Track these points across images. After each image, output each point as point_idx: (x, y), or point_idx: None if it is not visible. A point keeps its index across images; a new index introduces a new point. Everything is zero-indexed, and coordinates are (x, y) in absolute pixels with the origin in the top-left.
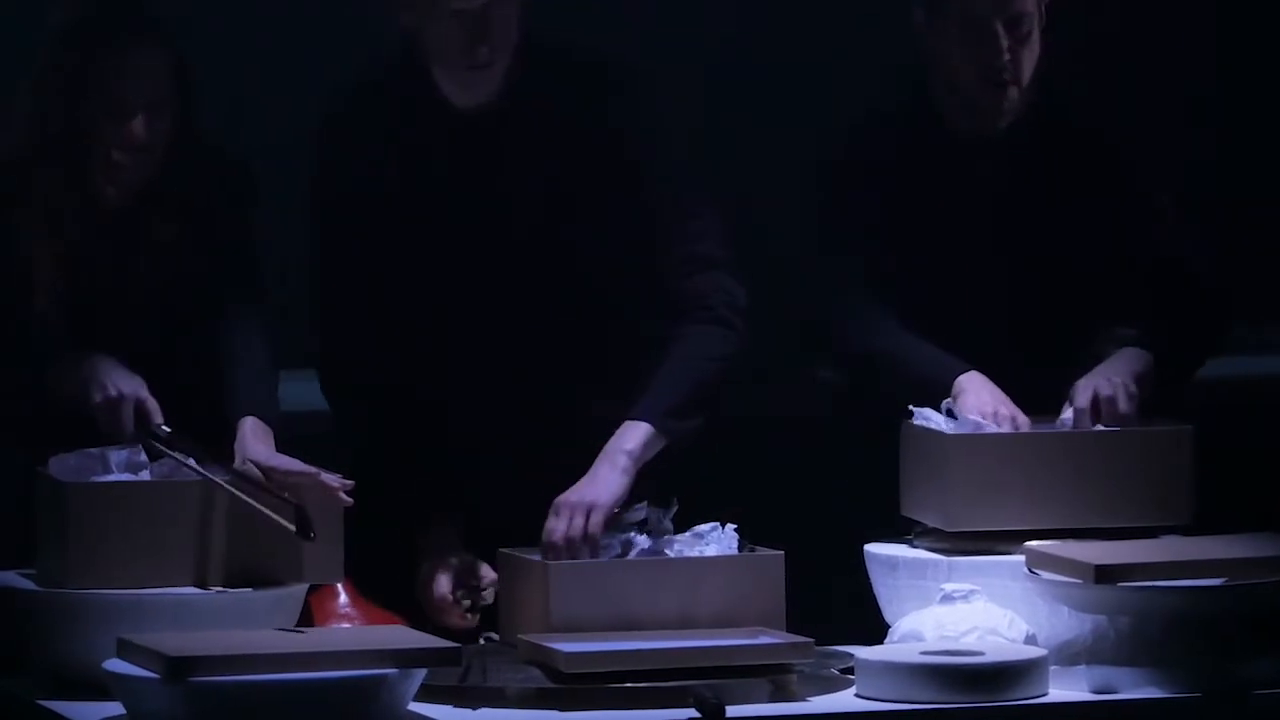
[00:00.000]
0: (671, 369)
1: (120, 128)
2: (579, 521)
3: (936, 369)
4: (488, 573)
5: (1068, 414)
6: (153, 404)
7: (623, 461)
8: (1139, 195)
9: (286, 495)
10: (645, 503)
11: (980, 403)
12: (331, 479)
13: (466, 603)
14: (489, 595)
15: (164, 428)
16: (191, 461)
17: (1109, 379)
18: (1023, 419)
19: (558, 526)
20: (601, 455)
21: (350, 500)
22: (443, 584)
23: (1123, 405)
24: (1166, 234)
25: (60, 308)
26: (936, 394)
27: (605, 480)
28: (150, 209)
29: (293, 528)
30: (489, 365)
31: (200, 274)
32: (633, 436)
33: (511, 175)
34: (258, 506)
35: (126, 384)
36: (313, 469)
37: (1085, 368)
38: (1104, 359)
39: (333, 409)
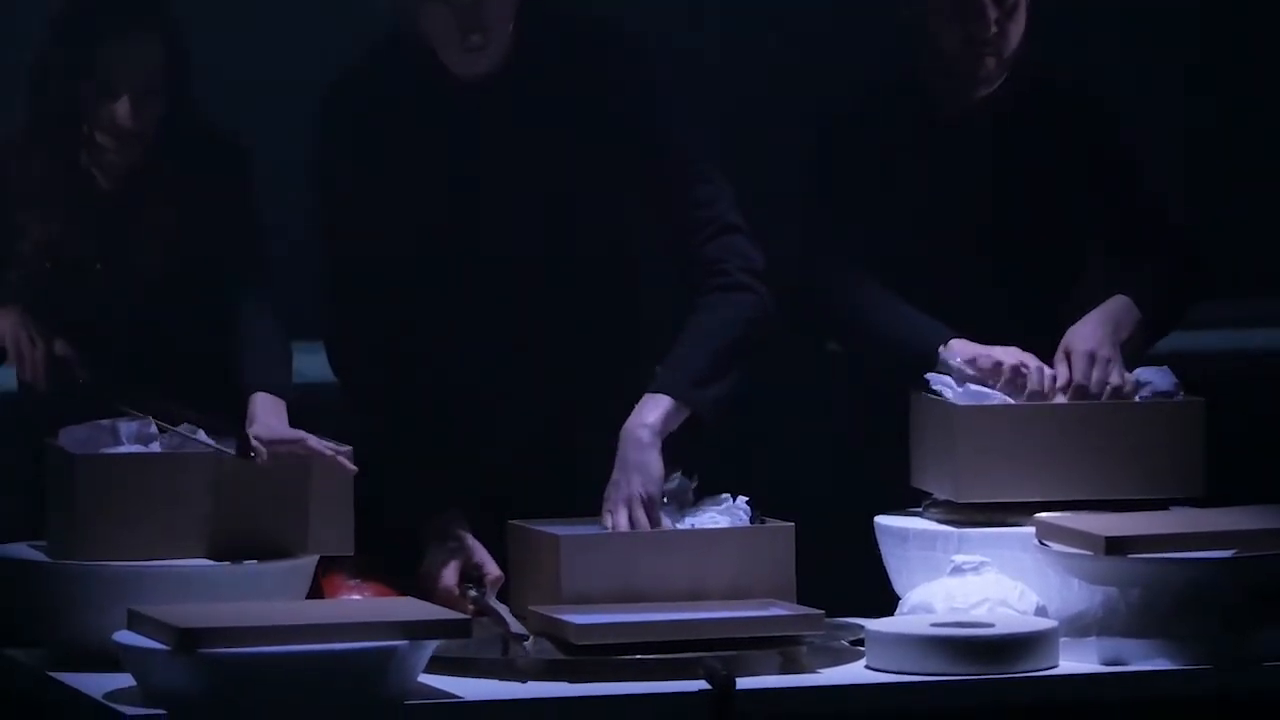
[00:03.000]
0: (690, 339)
1: (106, 111)
2: (641, 515)
3: (919, 332)
4: (491, 568)
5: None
6: (71, 353)
7: (646, 437)
8: (1125, 160)
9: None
10: (679, 474)
11: (970, 364)
12: (323, 445)
13: (473, 593)
14: (492, 593)
15: (82, 372)
16: (157, 420)
17: (1096, 354)
18: (1024, 356)
19: (619, 524)
20: (623, 436)
21: (354, 467)
22: (448, 575)
23: (1114, 379)
24: (1147, 194)
25: (46, 286)
26: (918, 357)
27: (640, 465)
28: (143, 193)
29: (231, 452)
30: (493, 339)
31: (201, 255)
32: (652, 409)
33: (515, 142)
34: (195, 442)
35: (38, 333)
36: (300, 434)
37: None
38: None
39: (342, 387)
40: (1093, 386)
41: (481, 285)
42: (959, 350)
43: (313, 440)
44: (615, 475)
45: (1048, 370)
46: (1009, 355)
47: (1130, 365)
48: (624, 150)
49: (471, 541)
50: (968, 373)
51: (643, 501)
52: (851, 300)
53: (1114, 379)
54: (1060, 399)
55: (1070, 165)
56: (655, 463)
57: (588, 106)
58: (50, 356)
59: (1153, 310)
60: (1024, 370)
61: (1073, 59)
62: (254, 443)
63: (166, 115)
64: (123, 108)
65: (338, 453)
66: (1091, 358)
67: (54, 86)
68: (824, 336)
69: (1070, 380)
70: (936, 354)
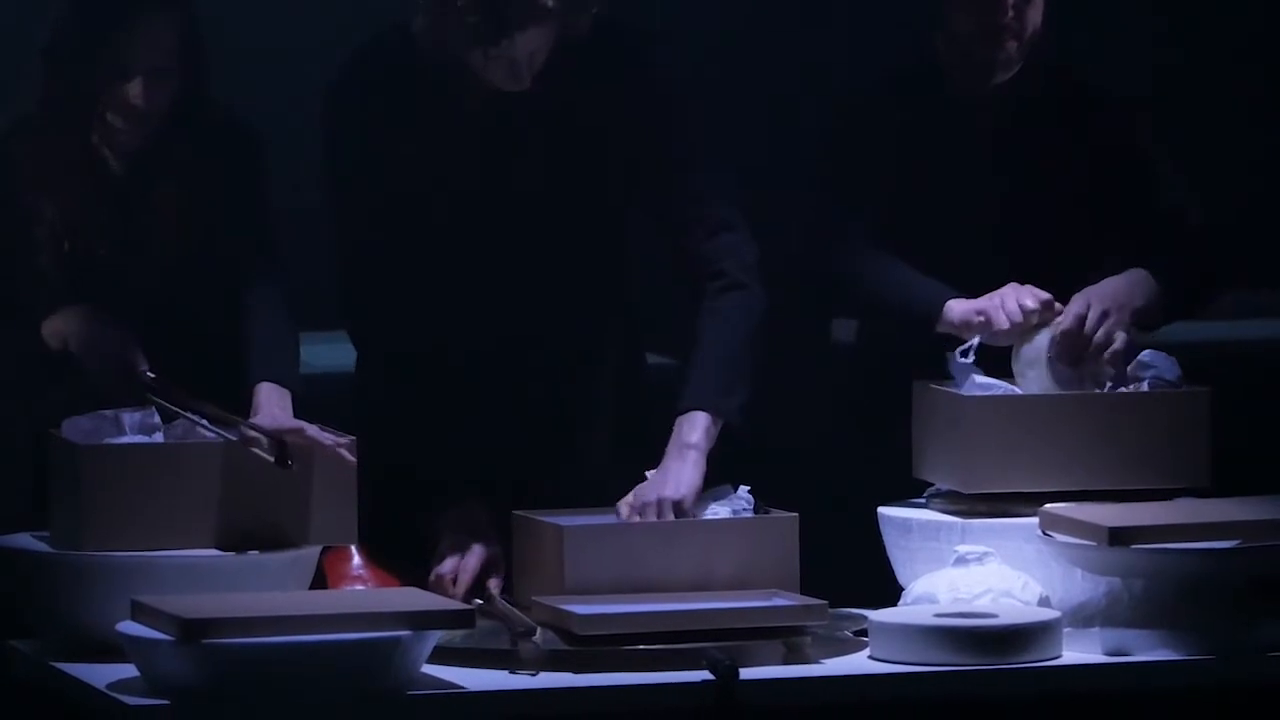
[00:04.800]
0: (707, 349)
1: (118, 91)
2: (669, 518)
3: (920, 295)
4: (496, 572)
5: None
6: (137, 352)
7: (692, 456)
8: (1139, 151)
9: (268, 431)
10: (729, 485)
11: (971, 306)
12: (323, 435)
13: (478, 602)
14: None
15: (149, 374)
16: (209, 424)
17: (1107, 311)
18: (1020, 292)
19: (647, 517)
20: (668, 452)
21: (353, 458)
22: (470, 564)
23: (1099, 337)
24: (1164, 187)
25: (63, 268)
26: (919, 317)
27: (678, 474)
28: (153, 175)
29: (271, 459)
30: (496, 336)
31: (211, 240)
32: (693, 428)
33: (518, 138)
34: (236, 443)
35: (109, 331)
36: (300, 424)
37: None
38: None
39: (360, 375)
40: (1092, 334)
41: (484, 279)
42: (955, 311)
43: (312, 430)
44: (651, 478)
45: (1016, 307)
46: (998, 312)
47: (1136, 351)
48: (623, 147)
49: (489, 540)
50: (969, 355)
51: (671, 507)
52: (855, 266)
53: (1100, 336)
54: (1045, 335)
55: (1086, 159)
56: (692, 477)
57: (588, 103)
58: (123, 359)
59: (1168, 290)
60: (1004, 318)
61: (1077, 54)
62: (253, 434)
63: (179, 97)
64: (135, 87)
65: (338, 444)
66: (1086, 301)
67: (67, 67)
68: (830, 306)
69: (1068, 324)
70: (939, 316)
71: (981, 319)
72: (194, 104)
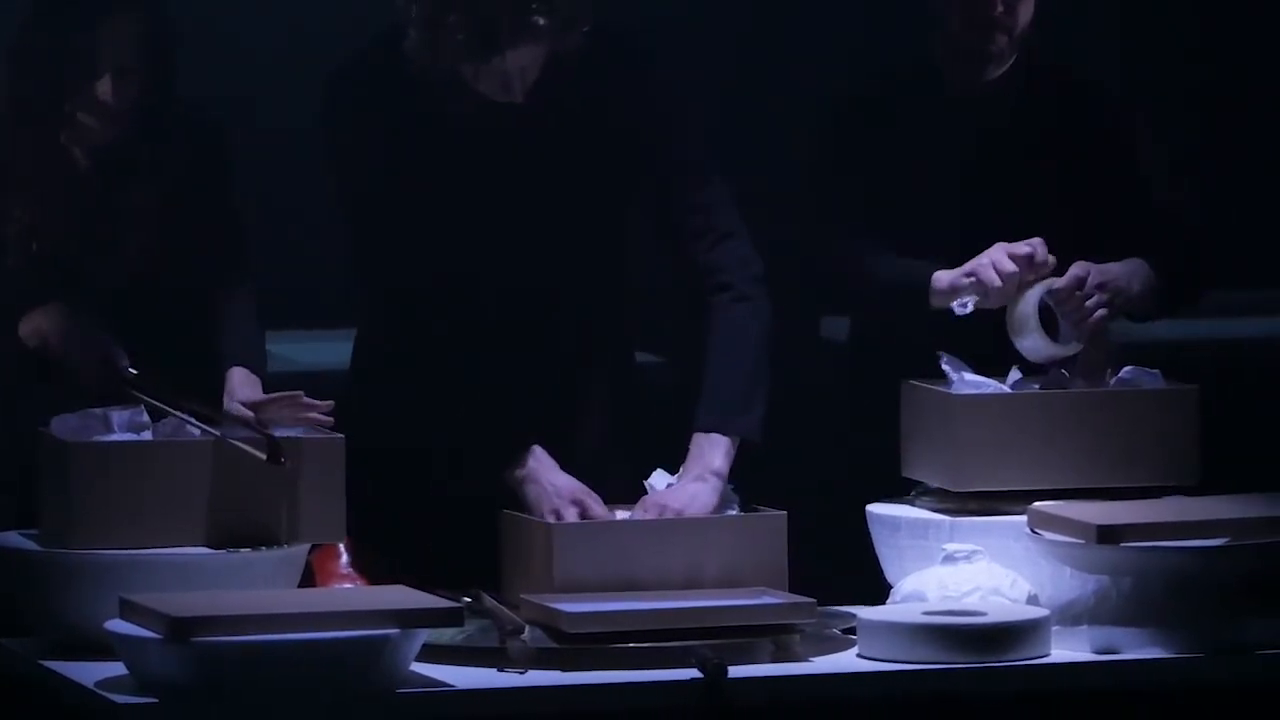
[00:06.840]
0: (720, 366)
1: (87, 90)
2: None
3: (908, 271)
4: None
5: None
6: (117, 349)
7: (713, 481)
8: (1137, 149)
9: (260, 427)
10: (737, 499)
11: (958, 270)
12: (310, 400)
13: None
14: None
15: (131, 370)
16: (192, 419)
17: (1107, 282)
18: (1006, 248)
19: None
20: (689, 471)
21: (329, 419)
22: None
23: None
24: (1159, 185)
25: (34, 267)
26: (909, 294)
27: (694, 493)
28: (123, 173)
29: (263, 456)
30: (499, 337)
31: (178, 238)
32: (714, 454)
33: (524, 148)
34: (227, 439)
35: (88, 329)
36: (294, 392)
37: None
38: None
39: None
40: (1085, 298)
41: (479, 281)
42: (944, 280)
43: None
44: (669, 487)
45: (1005, 259)
46: (988, 270)
47: (1120, 356)
48: (626, 156)
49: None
50: (967, 306)
51: (669, 516)
52: (851, 263)
53: (1091, 303)
54: (1036, 292)
55: (1084, 158)
56: (708, 499)
57: (591, 111)
58: (103, 356)
59: (1162, 285)
60: (994, 275)
61: (1075, 53)
62: (243, 411)
63: (144, 95)
64: (104, 85)
65: (320, 408)
66: (1086, 269)
67: (34, 66)
68: (826, 304)
69: (1065, 283)
70: (928, 287)
71: (971, 279)
72: (161, 102)
